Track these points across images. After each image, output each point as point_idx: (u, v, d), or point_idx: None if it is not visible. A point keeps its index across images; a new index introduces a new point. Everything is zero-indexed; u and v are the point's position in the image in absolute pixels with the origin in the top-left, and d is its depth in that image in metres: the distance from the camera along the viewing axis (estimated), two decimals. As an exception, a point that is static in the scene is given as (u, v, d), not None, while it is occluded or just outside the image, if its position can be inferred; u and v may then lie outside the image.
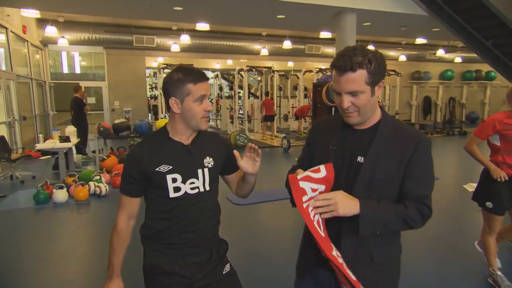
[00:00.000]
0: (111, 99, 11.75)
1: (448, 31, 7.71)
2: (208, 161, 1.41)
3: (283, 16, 8.13)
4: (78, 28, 10.05)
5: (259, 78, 15.58)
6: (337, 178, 1.22)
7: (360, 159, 1.22)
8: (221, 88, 14.95)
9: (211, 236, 1.46)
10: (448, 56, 14.93)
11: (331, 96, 6.45)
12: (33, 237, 3.80)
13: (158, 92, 12.48)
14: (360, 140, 1.25)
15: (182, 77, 1.30)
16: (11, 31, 7.60)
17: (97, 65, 12.18)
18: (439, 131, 12.76)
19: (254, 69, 11.75)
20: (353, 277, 1.14)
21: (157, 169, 1.33)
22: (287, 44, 11.14)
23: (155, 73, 14.46)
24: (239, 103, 13.05)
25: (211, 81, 14.77)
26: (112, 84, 11.72)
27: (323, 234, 1.17)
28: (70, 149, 6.15)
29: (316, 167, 1.19)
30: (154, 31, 10.89)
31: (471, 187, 5.41)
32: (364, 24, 8.65)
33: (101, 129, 6.70)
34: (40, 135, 6.38)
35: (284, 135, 9.64)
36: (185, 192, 1.37)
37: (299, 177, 1.16)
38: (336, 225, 1.22)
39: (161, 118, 11.43)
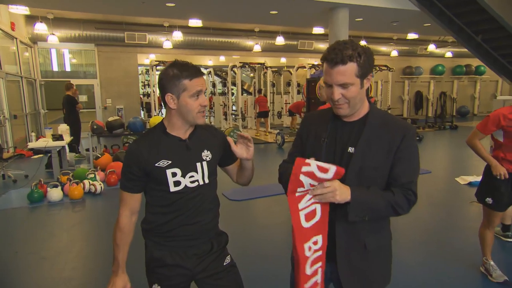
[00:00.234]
0: (103, 97, 11.64)
1: (439, 26, 7.80)
2: (206, 154, 1.43)
3: (276, 12, 8.14)
4: (68, 25, 9.91)
5: (252, 75, 15.56)
6: None
7: (350, 149, 1.27)
8: (214, 85, 14.90)
9: (212, 228, 1.48)
10: (439, 51, 15.10)
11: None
12: (28, 236, 3.77)
13: (151, 90, 12.36)
14: (350, 131, 1.29)
15: (177, 73, 1.30)
16: (-1, 28, 7.49)
17: (88, 62, 12.04)
18: (430, 125, 12.90)
19: (247, 66, 11.73)
20: (307, 272, 1.24)
21: (156, 164, 1.34)
22: (279, 40, 11.13)
23: (147, 70, 14.33)
24: (232, 99, 13.03)
25: (204, 77, 14.63)
26: (104, 82, 11.61)
27: (304, 225, 1.24)
28: (64, 147, 6.10)
29: (327, 166, 1.16)
30: (146, 28, 10.80)
31: (463, 180, 5.50)
32: (356, 19, 8.70)
33: (95, 127, 6.65)
34: (33, 134, 6.29)
35: (278, 131, 9.68)
36: (185, 185, 1.38)
37: (303, 170, 1.17)
38: (331, 213, 1.27)
39: (155, 115, 11.37)
